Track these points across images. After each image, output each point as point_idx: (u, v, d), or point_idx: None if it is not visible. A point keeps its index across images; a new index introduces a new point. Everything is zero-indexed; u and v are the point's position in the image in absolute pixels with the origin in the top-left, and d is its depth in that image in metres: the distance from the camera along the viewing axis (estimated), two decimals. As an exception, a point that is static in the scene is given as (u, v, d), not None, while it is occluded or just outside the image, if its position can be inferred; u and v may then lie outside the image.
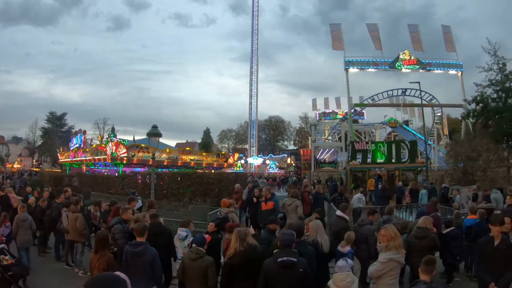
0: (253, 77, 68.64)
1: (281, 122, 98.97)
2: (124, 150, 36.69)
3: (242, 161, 68.19)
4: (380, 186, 22.01)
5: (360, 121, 67.13)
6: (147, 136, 22.91)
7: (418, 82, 31.40)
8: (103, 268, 6.10)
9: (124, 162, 36.40)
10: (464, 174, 22.04)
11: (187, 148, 50.33)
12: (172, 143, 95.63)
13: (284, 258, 5.14)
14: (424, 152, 47.62)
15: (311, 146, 52.94)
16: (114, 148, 36.37)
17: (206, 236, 6.92)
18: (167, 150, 43.09)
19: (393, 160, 26.05)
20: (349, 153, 29.12)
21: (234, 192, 14.19)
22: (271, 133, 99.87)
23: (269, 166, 67.86)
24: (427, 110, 46.48)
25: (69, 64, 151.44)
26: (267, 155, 75.21)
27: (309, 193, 15.68)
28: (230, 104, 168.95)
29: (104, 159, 37.04)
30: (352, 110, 51.17)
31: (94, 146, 43.37)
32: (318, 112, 71.76)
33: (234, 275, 5.59)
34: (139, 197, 14.14)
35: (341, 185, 28.07)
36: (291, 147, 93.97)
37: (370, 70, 46.68)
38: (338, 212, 9.25)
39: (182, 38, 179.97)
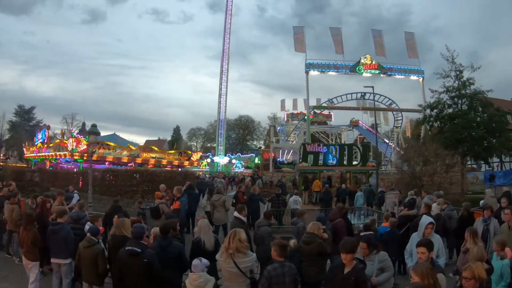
0: (224, 76, 67.74)
1: (251, 122, 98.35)
2: (85, 147, 36.04)
3: (208, 160, 67.40)
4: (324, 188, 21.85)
5: (329, 123, 67.10)
6: (87, 134, 22.40)
7: (372, 87, 31.46)
8: (31, 242, 7.92)
9: (84, 158, 35.56)
10: (412, 178, 21.66)
11: (150, 146, 49.42)
12: (142, 139, 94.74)
13: (130, 248, 5.90)
14: (385, 154, 48.24)
15: (271, 147, 52.40)
16: (74, 144, 35.62)
17: (100, 228, 7.98)
18: (128, 147, 42.34)
19: (344, 163, 25.82)
20: (301, 155, 28.61)
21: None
22: (241, 132, 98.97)
23: (235, 165, 66.98)
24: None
25: (41, 55, 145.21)
26: (236, 154, 74.37)
27: (243, 194, 16.24)
28: (205, 102, 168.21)
29: (65, 155, 35.90)
30: (312, 111, 51.24)
31: (57, 141, 42.05)
32: (286, 112, 71.40)
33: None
34: (76, 192, 16.36)
35: (294, 186, 27.47)
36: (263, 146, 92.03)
37: (331, 73, 46.12)
38: (235, 213, 9.48)
39: (158, 34, 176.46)
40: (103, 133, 53.58)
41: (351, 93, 47.77)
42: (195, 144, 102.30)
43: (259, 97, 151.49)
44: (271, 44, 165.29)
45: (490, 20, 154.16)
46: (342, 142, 61.07)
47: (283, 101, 74.67)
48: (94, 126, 21.66)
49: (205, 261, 5.53)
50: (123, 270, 5.98)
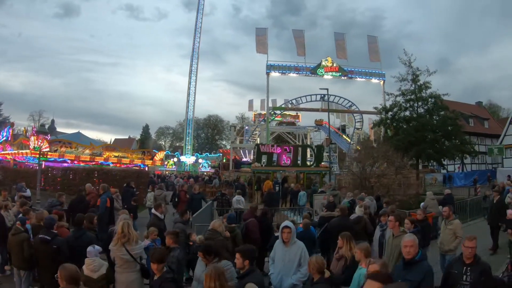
0: (193, 75, 66.83)
1: (220, 121, 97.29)
2: (47, 145, 35.40)
3: (175, 159, 66.61)
4: (277, 188, 22.24)
5: (297, 123, 67.03)
6: (36, 133, 21.96)
7: (327, 89, 31.08)
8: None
9: (46, 157, 34.92)
10: (361, 179, 21.56)
11: (112, 145, 48.95)
12: (113, 138, 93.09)
13: (41, 235, 6.99)
14: (348, 155, 48.34)
15: (231, 147, 52.09)
16: (36, 142, 34.97)
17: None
18: (90, 146, 41.68)
19: (298, 163, 25.52)
20: (255, 155, 28.30)
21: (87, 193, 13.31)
22: (210, 131, 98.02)
23: (201, 165, 66.24)
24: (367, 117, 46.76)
25: (12, 49, 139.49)
26: (204, 154, 73.59)
27: (186, 192, 16.89)
28: (177, 101, 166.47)
29: (27, 153, 35.04)
30: (272, 112, 51.36)
31: (19, 139, 40.92)
32: (254, 113, 70.94)
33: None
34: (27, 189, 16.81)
35: (249, 186, 27.11)
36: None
37: (291, 75, 45.98)
38: (153, 210, 10.32)
39: (132, 30, 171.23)
40: (71, 131, 52.51)
41: (311, 95, 47.78)
42: (163, 143, 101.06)
43: (231, 97, 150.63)
44: (244, 44, 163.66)
45: (461, 26, 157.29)
46: (308, 143, 61.09)
47: (251, 101, 74.32)
48: (42, 126, 21.57)
49: (97, 247, 6.28)
50: (37, 255, 7.11)
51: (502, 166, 45.05)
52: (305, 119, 67.34)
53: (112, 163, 42.64)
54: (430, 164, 35.18)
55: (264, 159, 26.56)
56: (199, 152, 74.22)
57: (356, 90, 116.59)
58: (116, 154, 45.03)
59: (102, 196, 12.27)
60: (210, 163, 66.92)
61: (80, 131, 55.03)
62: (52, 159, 37.05)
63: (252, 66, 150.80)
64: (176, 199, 17.00)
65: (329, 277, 5.09)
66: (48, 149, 36.82)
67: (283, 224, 6.83)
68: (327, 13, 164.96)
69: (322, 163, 26.77)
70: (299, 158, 25.86)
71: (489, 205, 14.16)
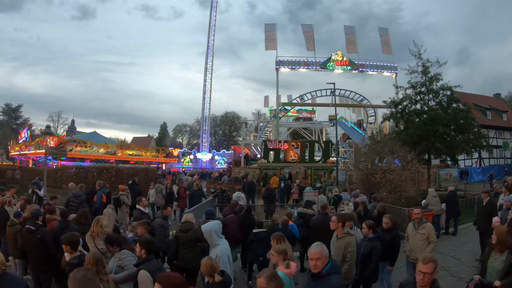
0: (208, 72, 66.99)
1: (237, 118, 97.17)
2: (63, 145, 36.04)
3: (191, 156, 66.77)
4: (282, 184, 22.03)
5: (313, 119, 66.44)
6: (42, 134, 22.37)
7: (334, 83, 30.28)
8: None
9: (62, 157, 35.57)
10: (367, 175, 21.08)
11: (127, 143, 49.56)
12: (131, 136, 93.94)
13: (27, 226, 7.51)
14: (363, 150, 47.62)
15: (242, 143, 51.83)
16: (52, 142, 35.62)
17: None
18: (105, 145, 42.20)
19: (306, 159, 25.21)
20: (262, 152, 28.07)
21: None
22: (227, 128, 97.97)
23: (217, 161, 66.25)
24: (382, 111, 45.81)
25: (31, 52, 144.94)
26: (221, 151, 73.53)
27: (185, 189, 17.78)
28: (195, 99, 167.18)
29: (44, 153, 35.95)
30: (282, 108, 51.18)
31: (37, 140, 41.62)
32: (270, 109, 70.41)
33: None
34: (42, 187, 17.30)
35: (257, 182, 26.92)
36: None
37: (301, 70, 45.48)
38: (137, 205, 10.75)
39: (148, 30, 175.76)
40: (91, 130, 53.16)
41: (321, 90, 47.15)
42: (180, 140, 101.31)
43: (249, 93, 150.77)
44: (261, 40, 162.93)
45: (480, 17, 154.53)
46: (324, 138, 60.51)
47: (266, 98, 73.73)
48: (48, 127, 22.00)
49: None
50: (24, 244, 7.71)
51: (520, 161, 44.01)
52: (322, 114, 66.73)
53: (130, 161, 43.15)
54: (445, 159, 34.36)
55: (271, 155, 26.32)
56: (217, 149, 74.27)
57: (372, 84, 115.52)
58: (130, 152, 45.55)
59: (98, 192, 13.25)
60: (226, 160, 66.83)
61: (96, 131, 56.00)
62: (65, 158, 37.73)
63: (269, 62, 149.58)
64: (176, 196, 17.90)
65: (220, 282, 4.83)
66: (64, 149, 37.56)
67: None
68: (342, 6, 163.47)
69: (332, 158, 26.43)
70: (307, 154, 25.56)
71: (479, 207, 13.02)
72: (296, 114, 64.62)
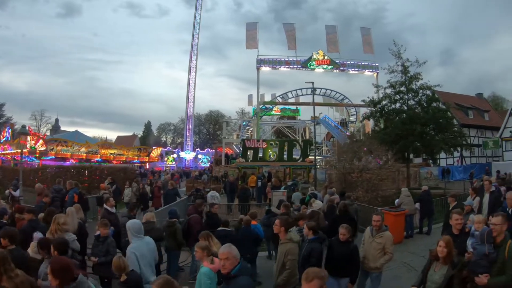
0: (192, 71, 66.47)
1: (221, 117, 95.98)
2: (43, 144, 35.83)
3: (175, 155, 66.37)
4: (259, 183, 21.88)
5: (297, 118, 66.39)
6: (18, 134, 22.15)
7: (312, 82, 30.20)
8: None
9: (42, 156, 35.37)
10: (344, 174, 21.07)
11: (108, 142, 49.12)
12: (116, 135, 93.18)
13: None
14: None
15: (223, 142, 51.63)
16: (33, 142, 35.22)
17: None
18: (86, 144, 41.79)
19: (284, 158, 25.15)
20: (241, 151, 27.96)
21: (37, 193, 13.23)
22: (212, 127, 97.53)
23: (201, 160, 65.91)
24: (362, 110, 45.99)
25: (16, 50, 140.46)
26: (205, 150, 73.13)
27: (159, 188, 17.96)
28: (181, 97, 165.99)
29: (25, 153, 35.35)
30: (262, 107, 50.95)
31: (17, 139, 41.06)
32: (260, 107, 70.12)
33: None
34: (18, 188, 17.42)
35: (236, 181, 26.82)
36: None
37: (282, 69, 45.28)
38: (104, 205, 10.80)
39: (134, 28, 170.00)
40: (75, 129, 52.52)
41: (302, 89, 47.19)
42: (164, 139, 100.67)
43: (234, 92, 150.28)
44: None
45: (464, 18, 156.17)
46: (307, 137, 60.57)
47: (250, 96, 73.28)
48: (24, 127, 21.58)
49: (39, 234, 7.19)
50: None
51: (502, 159, 44.46)
52: (307, 113, 66.68)
53: (113, 160, 42.81)
54: (427, 158, 34.53)
55: (250, 154, 26.21)
56: (201, 148, 73.91)
57: (357, 84, 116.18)
58: (112, 151, 45.11)
59: (70, 192, 12.85)
60: (209, 159, 66.50)
61: (78, 130, 55.29)
62: (50, 157, 37.27)
63: (253, 61, 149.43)
64: (150, 195, 18.12)
65: (123, 281, 5.06)
66: (44, 148, 37.10)
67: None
68: (328, 6, 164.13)
69: (311, 157, 26.44)
70: (285, 153, 25.49)
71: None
72: (280, 113, 64.43)
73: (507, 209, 7.59)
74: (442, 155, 33.25)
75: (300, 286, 6.16)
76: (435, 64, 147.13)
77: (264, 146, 25.07)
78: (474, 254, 5.50)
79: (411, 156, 28.79)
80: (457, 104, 48.24)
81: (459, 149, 31.09)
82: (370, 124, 43.07)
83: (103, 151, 43.57)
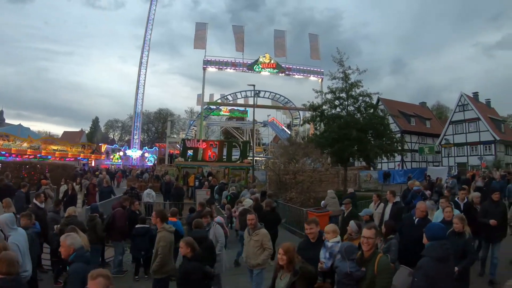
0: (143, 67, 65.30)
1: (171, 115, 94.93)
2: None
3: (121, 153, 65.25)
4: (197, 183, 22.32)
5: (246, 119, 66.87)
6: None
7: (254, 85, 30.73)
8: None
9: None
10: (279, 176, 21.57)
11: (52, 138, 47.87)
12: (64, 130, 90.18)
13: None
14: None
15: (166, 141, 51.56)
16: None
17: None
18: (29, 139, 40.55)
19: (224, 159, 25.44)
20: (181, 150, 28.07)
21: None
22: (161, 125, 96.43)
23: (147, 159, 65.14)
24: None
25: None
26: (153, 148, 72.19)
27: (95, 186, 18.21)
28: (132, 93, 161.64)
29: None
30: (206, 107, 51.78)
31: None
32: (205, 107, 69.98)
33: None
34: None
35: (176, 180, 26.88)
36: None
37: (228, 70, 45.76)
38: (34, 200, 10.83)
39: (88, 19, 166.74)
40: (21, 122, 50.80)
41: (246, 91, 47.87)
42: (112, 136, 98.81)
43: (187, 91, 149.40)
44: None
45: (416, 30, 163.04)
46: (253, 138, 61.31)
47: (199, 96, 73.31)
48: None
49: None
50: None
51: (441, 164, 46.83)
52: (255, 115, 67.26)
53: (52, 156, 41.71)
54: (369, 162, 35.56)
55: (190, 154, 26.35)
56: (149, 146, 72.93)
57: (308, 88, 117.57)
58: (55, 147, 43.97)
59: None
60: (156, 157, 65.84)
61: (21, 124, 53.45)
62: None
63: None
64: (85, 192, 18.42)
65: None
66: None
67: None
68: (285, 10, 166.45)
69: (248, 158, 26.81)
70: (225, 153, 25.79)
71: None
72: (229, 114, 64.69)
73: (414, 218, 7.67)
74: (385, 159, 34.57)
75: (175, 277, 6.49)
76: (386, 73, 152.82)
77: (203, 146, 25.26)
78: (337, 273, 5.26)
79: (353, 160, 29.60)
80: (400, 112, 50.46)
81: (397, 154, 32.24)
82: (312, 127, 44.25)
83: (46, 146, 42.43)
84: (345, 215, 10.46)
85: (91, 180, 19.20)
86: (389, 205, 10.06)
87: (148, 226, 9.87)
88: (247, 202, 12.28)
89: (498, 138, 45.77)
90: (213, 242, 7.80)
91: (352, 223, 6.89)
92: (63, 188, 17.78)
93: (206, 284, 5.97)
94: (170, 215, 9.86)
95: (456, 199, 10.41)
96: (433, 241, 4.60)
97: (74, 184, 18.07)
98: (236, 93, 50.99)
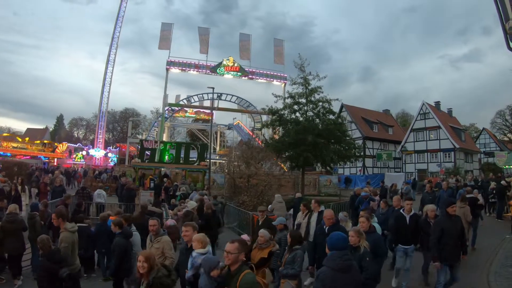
0: (110, 65, 64.10)
1: (137, 115, 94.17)
2: None
3: (84, 153, 64.20)
4: (152, 184, 21.94)
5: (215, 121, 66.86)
6: None
7: (213, 88, 30.96)
8: None
9: None
10: (234, 179, 21.81)
11: (12, 135, 46.92)
12: (27, 126, 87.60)
13: None
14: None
15: (127, 141, 51.27)
16: None
17: None
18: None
19: (181, 161, 25.51)
20: (138, 151, 28.01)
21: None
22: (126, 125, 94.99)
23: (110, 159, 64.28)
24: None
25: None
26: (117, 148, 71.21)
27: (46, 185, 18.12)
28: (99, 91, 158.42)
29: None
30: (168, 108, 52.41)
31: None
32: (167, 108, 69.49)
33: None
34: None
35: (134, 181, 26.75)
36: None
37: (191, 72, 45.92)
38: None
39: (58, 12, 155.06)
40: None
41: (208, 93, 47.95)
42: (76, 135, 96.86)
43: (156, 90, 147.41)
44: (173, 37, 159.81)
45: (385, 40, 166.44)
46: (219, 141, 61.58)
47: (165, 97, 72.95)
48: None
49: None
50: None
51: (402, 170, 48.00)
52: (221, 118, 67.47)
53: (18, 155, 40.94)
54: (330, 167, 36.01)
55: (147, 155, 26.35)
56: (113, 146, 71.95)
57: (269, 92, 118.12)
58: (15, 145, 43.09)
59: None
60: (118, 157, 65.05)
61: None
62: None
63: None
64: (37, 191, 18.47)
65: None
66: None
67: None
68: (258, 14, 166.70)
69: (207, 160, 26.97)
70: (182, 155, 25.84)
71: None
72: (194, 115, 64.47)
73: (324, 226, 7.67)
74: (348, 164, 35.17)
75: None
76: (355, 80, 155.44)
77: (161, 148, 25.33)
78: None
79: (311, 165, 29.97)
80: (363, 118, 51.53)
81: (354, 160, 32.89)
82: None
83: (5, 143, 41.54)
84: (260, 223, 10.15)
85: (42, 179, 18.99)
86: (315, 214, 9.86)
87: (86, 225, 9.76)
88: (191, 204, 12.47)
89: (458, 146, 47.05)
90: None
91: (263, 231, 6.82)
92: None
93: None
94: (106, 215, 10.03)
95: (401, 210, 9.23)
96: (333, 251, 4.51)
97: (17, 184, 17.72)
98: (203, 95, 50.79)
